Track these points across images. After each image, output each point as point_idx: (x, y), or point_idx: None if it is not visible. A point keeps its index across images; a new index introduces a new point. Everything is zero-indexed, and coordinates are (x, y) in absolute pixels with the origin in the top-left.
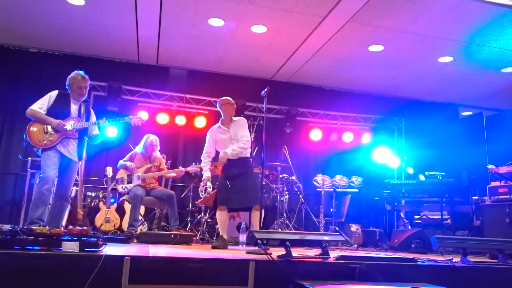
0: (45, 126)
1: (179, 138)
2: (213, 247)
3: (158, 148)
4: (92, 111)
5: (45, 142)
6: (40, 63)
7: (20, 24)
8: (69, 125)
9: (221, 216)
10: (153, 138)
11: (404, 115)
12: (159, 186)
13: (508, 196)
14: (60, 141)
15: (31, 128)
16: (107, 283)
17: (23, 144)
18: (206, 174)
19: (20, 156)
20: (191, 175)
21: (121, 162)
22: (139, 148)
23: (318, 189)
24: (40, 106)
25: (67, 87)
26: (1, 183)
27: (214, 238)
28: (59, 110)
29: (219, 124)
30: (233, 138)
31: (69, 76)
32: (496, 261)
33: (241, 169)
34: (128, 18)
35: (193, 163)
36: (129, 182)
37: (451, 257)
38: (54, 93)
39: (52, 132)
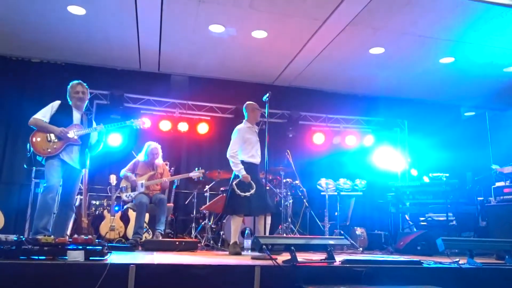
0: (48, 134)
1: (182, 144)
2: (235, 254)
3: (160, 155)
4: (94, 123)
5: (49, 150)
6: (42, 73)
7: (22, 35)
8: (71, 132)
9: (239, 222)
10: (154, 146)
11: (406, 117)
12: (162, 193)
13: None
14: (63, 148)
15: (35, 138)
16: None
17: (27, 154)
18: (243, 172)
19: (25, 166)
20: (194, 181)
21: (123, 172)
22: (141, 157)
23: (322, 193)
24: (43, 115)
25: (67, 98)
26: (6, 193)
27: (219, 244)
28: (61, 118)
29: (248, 124)
30: (258, 141)
31: (68, 87)
32: (503, 262)
33: (258, 175)
34: (129, 26)
35: (196, 169)
36: (133, 190)
37: (458, 259)
38: (56, 103)
39: (56, 140)
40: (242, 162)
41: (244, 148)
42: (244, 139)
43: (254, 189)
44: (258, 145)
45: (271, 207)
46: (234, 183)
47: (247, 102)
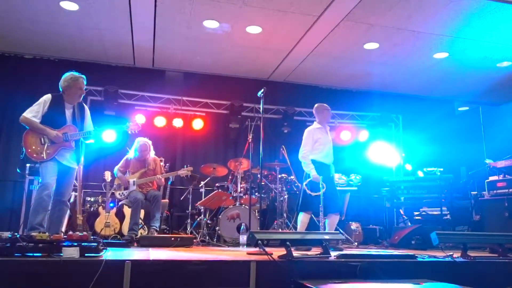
0: (42, 137)
1: (177, 140)
2: None
3: (151, 150)
4: (86, 108)
5: (42, 155)
6: (35, 69)
7: (14, 31)
8: (65, 136)
9: (306, 219)
10: (143, 142)
11: (401, 112)
12: (157, 189)
13: (506, 190)
14: (57, 153)
15: (28, 140)
16: None
17: (20, 156)
18: (314, 173)
19: (18, 170)
20: (187, 177)
21: (116, 170)
22: (132, 153)
23: None
24: (35, 114)
25: (60, 89)
26: (0, 190)
27: (215, 240)
28: (54, 117)
29: (318, 125)
30: (330, 141)
31: (67, 78)
32: (496, 255)
33: (331, 174)
34: (123, 22)
35: (184, 166)
36: (126, 188)
37: (452, 253)
38: (48, 98)
39: (49, 144)
40: (313, 162)
41: (315, 148)
42: (314, 140)
43: (324, 189)
44: (331, 145)
45: (338, 207)
46: (304, 183)
47: (316, 105)
